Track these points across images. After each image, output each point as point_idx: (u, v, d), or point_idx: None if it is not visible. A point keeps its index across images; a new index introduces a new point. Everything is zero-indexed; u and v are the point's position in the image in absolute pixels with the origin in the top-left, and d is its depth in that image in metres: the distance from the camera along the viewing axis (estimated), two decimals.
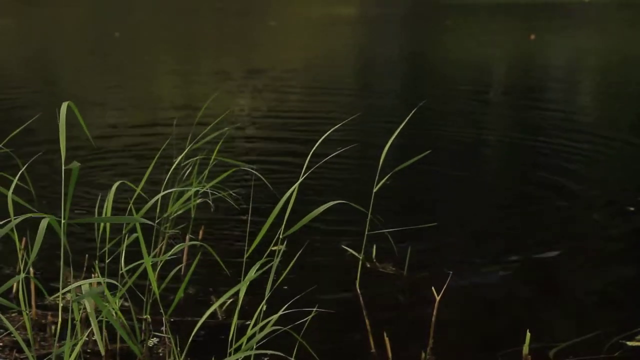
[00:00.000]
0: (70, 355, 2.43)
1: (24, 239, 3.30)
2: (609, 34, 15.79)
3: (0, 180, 3.11)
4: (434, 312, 2.95)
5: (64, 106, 2.24)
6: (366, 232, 3.26)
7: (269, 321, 2.37)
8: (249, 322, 2.50)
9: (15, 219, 2.32)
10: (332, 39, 15.26)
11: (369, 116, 7.82)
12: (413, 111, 3.40)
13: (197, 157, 3.53)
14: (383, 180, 3.10)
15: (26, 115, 6.94)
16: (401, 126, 3.06)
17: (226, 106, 7.99)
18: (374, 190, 3.07)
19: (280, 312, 2.39)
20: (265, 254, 2.50)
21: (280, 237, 2.28)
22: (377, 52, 13.54)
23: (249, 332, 2.35)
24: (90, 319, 2.58)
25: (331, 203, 2.56)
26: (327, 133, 2.58)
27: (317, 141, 2.60)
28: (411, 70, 11.87)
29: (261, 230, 2.23)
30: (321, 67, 11.51)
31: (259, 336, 2.34)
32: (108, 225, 2.90)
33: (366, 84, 10.45)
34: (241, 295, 2.31)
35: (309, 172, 2.58)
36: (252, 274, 2.28)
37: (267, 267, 2.45)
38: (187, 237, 3.72)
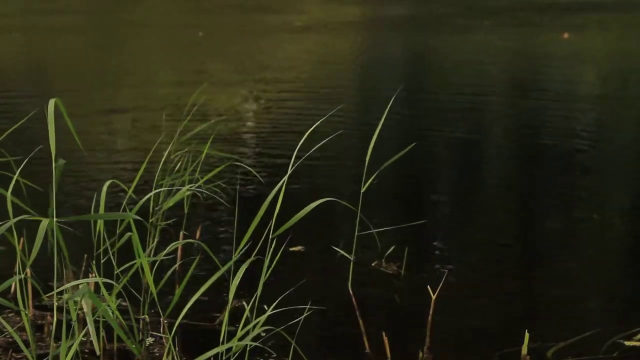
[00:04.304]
0: (67, 356, 2.43)
1: (21, 239, 3.29)
2: None
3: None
4: (431, 312, 2.94)
5: (51, 103, 2.21)
6: (356, 233, 3.25)
7: (259, 321, 2.36)
8: (245, 322, 2.49)
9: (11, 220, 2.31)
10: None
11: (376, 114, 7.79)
12: (391, 102, 3.40)
13: (184, 150, 3.52)
14: (370, 181, 3.09)
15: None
16: (382, 120, 3.04)
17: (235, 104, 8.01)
18: (362, 190, 3.05)
19: (269, 312, 2.38)
20: (253, 255, 2.49)
21: (270, 237, 2.26)
22: (409, 51, 13.45)
23: (240, 333, 2.34)
24: (87, 318, 2.57)
25: (320, 200, 2.54)
26: (314, 125, 2.56)
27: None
28: (425, 68, 11.81)
29: (248, 231, 2.21)
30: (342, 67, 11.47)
31: (250, 336, 2.33)
32: (101, 222, 2.89)
33: (389, 82, 10.41)
34: (231, 295, 2.30)
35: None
36: (240, 274, 2.27)
37: (260, 265, 2.45)
38: (182, 234, 3.71)
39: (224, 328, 2.37)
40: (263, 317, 2.32)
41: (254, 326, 2.35)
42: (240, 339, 2.31)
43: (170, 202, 3.32)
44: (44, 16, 17.58)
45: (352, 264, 3.23)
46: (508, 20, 17.21)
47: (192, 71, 10.61)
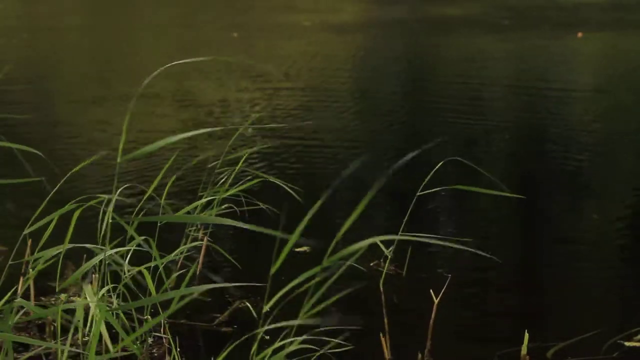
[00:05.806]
0: (66, 357, 2.43)
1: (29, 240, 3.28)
2: None
3: None
4: (433, 315, 2.95)
5: (131, 104, 2.13)
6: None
7: (291, 334, 2.34)
8: (254, 329, 2.47)
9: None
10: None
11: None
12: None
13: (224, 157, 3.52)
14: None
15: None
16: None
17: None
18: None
19: (307, 332, 2.37)
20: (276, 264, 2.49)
21: (322, 265, 2.20)
22: (429, 51, 13.34)
23: (277, 344, 2.33)
24: (87, 324, 2.58)
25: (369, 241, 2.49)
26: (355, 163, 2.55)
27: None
28: (431, 67, 11.74)
29: (285, 248, 2.13)
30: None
31: (287, 350, 2.32)
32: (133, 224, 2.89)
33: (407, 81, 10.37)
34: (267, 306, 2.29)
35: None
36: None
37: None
38: (205, 239, 3.70)
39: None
40: (302, 338, 2.31)
41: (289, 342, 2.33)
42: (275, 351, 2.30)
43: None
44: (70, 16, 17.52)
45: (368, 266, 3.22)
46: (529, 20, 17.12)
47: (224, 73, 10.54)
